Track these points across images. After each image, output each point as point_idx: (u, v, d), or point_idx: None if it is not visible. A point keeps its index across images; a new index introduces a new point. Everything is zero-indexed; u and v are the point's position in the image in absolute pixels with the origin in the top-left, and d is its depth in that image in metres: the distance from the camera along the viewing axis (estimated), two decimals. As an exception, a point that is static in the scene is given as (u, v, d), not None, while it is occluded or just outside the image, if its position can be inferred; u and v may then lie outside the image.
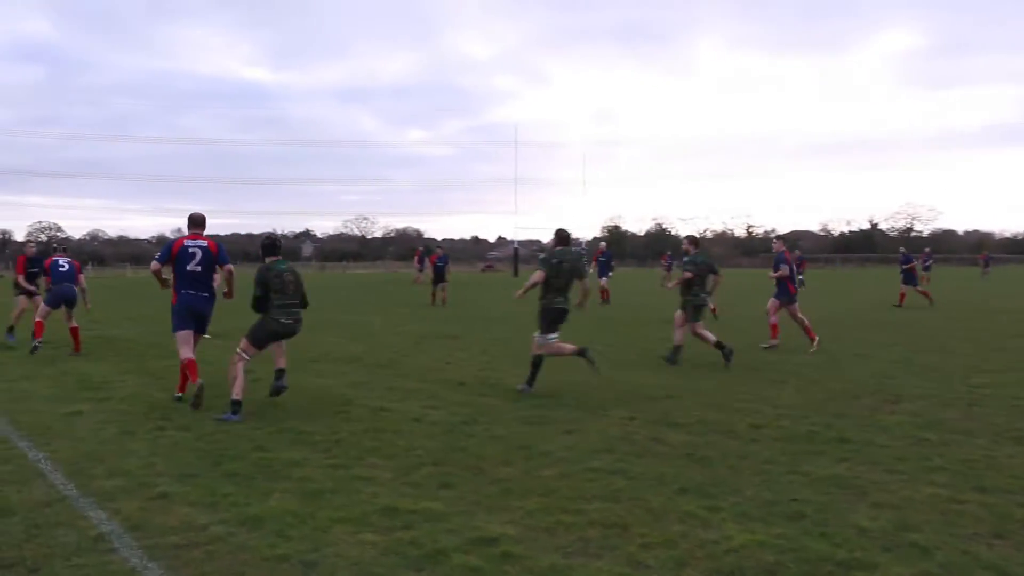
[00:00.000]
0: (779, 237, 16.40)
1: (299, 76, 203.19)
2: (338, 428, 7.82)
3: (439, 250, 28.05)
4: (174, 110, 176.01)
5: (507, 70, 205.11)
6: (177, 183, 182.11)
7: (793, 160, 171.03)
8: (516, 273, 68.49)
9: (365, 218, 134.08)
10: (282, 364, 9.15)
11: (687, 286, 12.66)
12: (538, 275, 9.81)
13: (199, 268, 9.09)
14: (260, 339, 8.73)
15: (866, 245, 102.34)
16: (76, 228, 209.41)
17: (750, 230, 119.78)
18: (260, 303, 8.74)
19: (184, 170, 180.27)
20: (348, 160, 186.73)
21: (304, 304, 9.01)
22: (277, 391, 9.09)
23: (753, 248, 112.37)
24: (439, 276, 26.65)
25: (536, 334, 9.92)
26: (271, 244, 8.98)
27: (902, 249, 27.52)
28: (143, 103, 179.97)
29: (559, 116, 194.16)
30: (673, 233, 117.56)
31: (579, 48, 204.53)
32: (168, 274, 9.23)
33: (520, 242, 75.50)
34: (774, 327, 14.64)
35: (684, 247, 13.38)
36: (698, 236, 13.81)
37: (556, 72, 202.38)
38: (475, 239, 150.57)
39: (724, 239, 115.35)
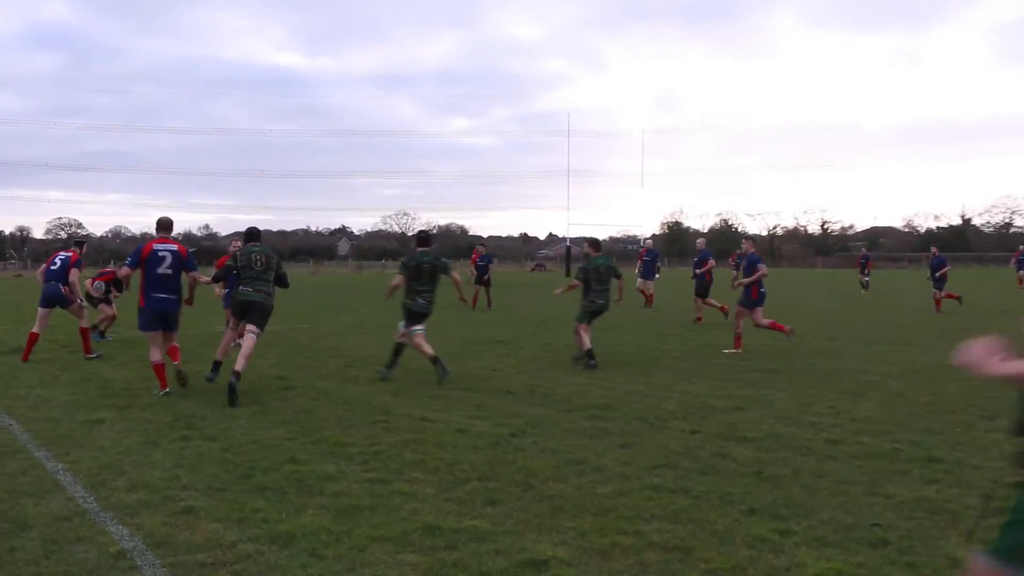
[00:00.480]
0: (748, 237, 17.11)
1: (334, 61, 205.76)
2: (377, 439, 7.86)
3: (481, 248, 28.06)
4: (200, 99, 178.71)
5: (559, 53, 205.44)
6: (204, 176, 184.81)
7: (875, 149, 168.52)
8: (568, 273, 68.26)
9: (405, 214, 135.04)
10: (240, 365, 10.04)
11: (584, 292, 13.34)
12: (397, 279, 11.57)
13: (170, 271, 10.40)
14: (233, 307, 10.85)
15: (958, 243, 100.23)
16: (98, 224, 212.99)
17: (826, 226, 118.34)
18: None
19: (211, 163, 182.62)
20: (387, 151, 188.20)
21: (279, 283, 10.81)
22: (230, 391, 9.71)
23: (829, 246, 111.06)
24: (481, 277, 26.65)
25: (401, 324, 11.60)
26: (249, 233, 11.04)
27: (934, 249, 26.83)
28: (167, 91, 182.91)
29: (615, 102, 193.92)
30: (740, 230, 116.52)
31: (638, 28, 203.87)
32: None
33: (573, 239, 75.27)
34: (774, 325, 14.89)
35: (585, 250, 14.10)
36: (599, 239, 14.30)
37: (612, 54, 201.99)
38: (524, 237, 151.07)
39: (796, 236, 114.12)
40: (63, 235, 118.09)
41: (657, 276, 26.90)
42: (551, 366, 12.97)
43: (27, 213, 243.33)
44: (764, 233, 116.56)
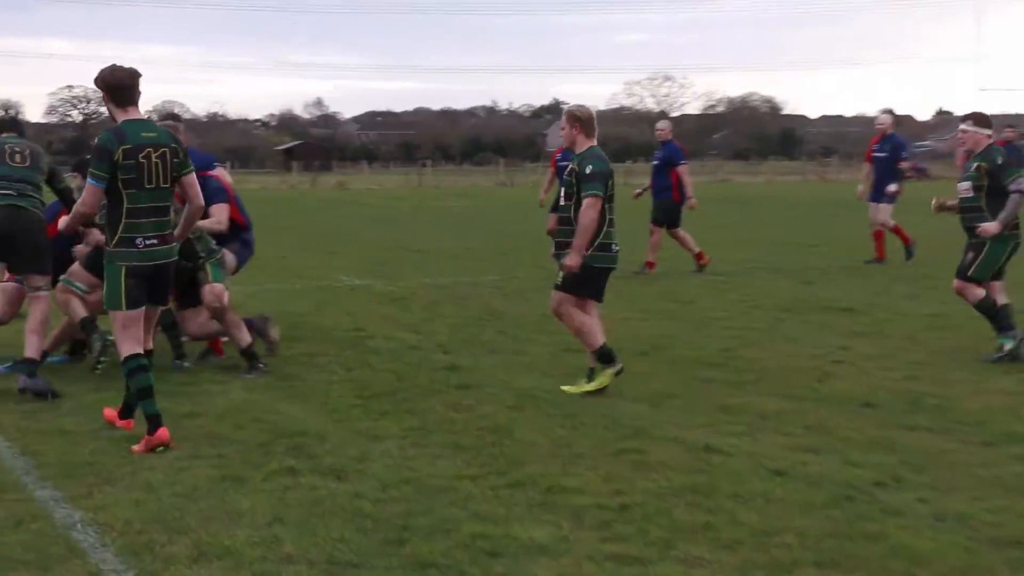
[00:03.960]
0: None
1: None
2: (625, 483, 7.86)
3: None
4: None
5: None
6: (315, 17, 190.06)
7: None
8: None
9: (667, 78, 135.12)
10: (35, 348, 11.06)
11: None
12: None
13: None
14: None
15: None
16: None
17: None
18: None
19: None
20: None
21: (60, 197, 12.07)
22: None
23: None
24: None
25: None
26: (3, 121, 13.70)
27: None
28: None
29: None
30: None
31: None
32: None
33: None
34: None
35: None
36: None
37: None
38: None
39: None
40: (75, 116, 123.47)
41: (894, 189, 24.16)
42: (947, 356, 12.64)
43: (18, 78, 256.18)
44: None
